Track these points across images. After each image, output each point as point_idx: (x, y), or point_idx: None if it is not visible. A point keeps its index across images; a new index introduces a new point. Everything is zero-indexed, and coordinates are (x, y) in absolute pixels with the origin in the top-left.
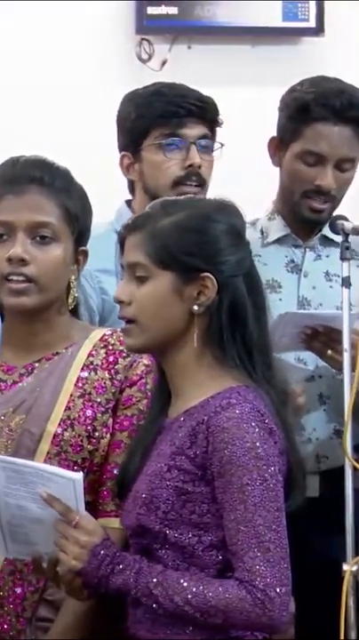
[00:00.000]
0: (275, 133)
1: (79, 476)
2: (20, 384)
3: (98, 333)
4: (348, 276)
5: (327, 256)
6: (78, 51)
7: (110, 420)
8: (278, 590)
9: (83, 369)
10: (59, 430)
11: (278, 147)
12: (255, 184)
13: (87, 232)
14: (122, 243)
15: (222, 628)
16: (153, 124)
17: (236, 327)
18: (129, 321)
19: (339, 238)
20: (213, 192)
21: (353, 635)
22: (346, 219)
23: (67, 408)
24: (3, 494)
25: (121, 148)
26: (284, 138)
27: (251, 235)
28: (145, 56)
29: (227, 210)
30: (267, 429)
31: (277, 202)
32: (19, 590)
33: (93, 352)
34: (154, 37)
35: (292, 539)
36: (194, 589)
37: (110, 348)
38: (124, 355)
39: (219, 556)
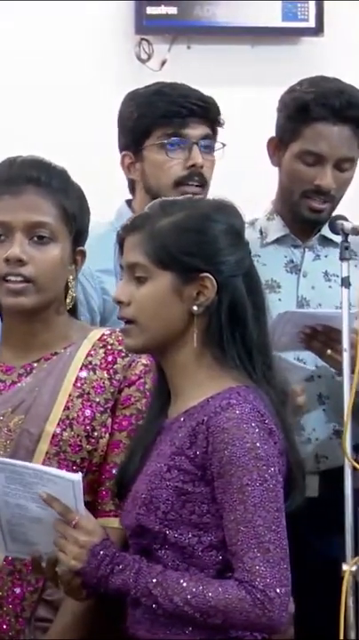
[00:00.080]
0: (274, 133)
1: (78, 477)
2: (19, 384)
3: (96, 333)
4: (348, 276)
5: (326, 256)
6: (78, 51)
7: (109, 420)
8: (278, 591)
9: (81, 369)
10: (58, 430)
11: (277, 147)
12: (254, 184)
13: (85, 232)
14: (121, 243)
15: (222, 628)
16: (155, 123)
17: (236, 327)
18: (128, 321)
19: (337, 238)
20: (213, 192)
21: (352, 635)
22: (345, 219)
23: (66, 408)
24: (2, 494)
25: (122, 148)
26: (283, 138)
27: (250, 235)
28: (144, 56)
29: (226, 210)
30: (266, 430)
31: (276, 202)
32: (18, 590)
33: (92, 352)
34: (153, 37)
35: (292, 539)
36: (193, 590)
37: (109, 347)
38: (123, 354)
39: (218, 557)
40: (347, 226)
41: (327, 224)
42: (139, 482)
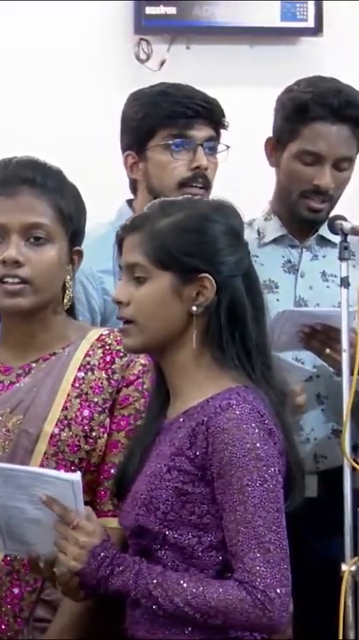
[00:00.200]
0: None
1: (77, 477)
2: (18, 384)
3: (95, 333)
4: (347, 276)
5: (324, 256)
6: (77, 50)
7: (107, 420)
8: (278, 591)
9: (80, 369)
10: (57, 430)
11: (274, 147)
12: (253, 184)
13: (81, 232)
14: (120, 243)
15: (221, 628)
16: (160, 124)
17: (235, 328)
18: (127, 321)
19: (335, 238)
20: (211, 192)
21: (351, 634)
22: (344, 219)
23: (65, 408)
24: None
25: (125, 148)
26: (281, 138)
27: (248, 235)
28: (143, 56)
29: (225, 210)
30: (266, 430)
31: (274, 202)
32: (16, 590)
33: (90, 352)
34: (152, 37)
35: (291, 539)
36: (194, 590)
37: (107, 347)
38: (121, 354)
39: (218, 557)
40: (347, 226)
41: (326, 224)
42: (138, 482)
